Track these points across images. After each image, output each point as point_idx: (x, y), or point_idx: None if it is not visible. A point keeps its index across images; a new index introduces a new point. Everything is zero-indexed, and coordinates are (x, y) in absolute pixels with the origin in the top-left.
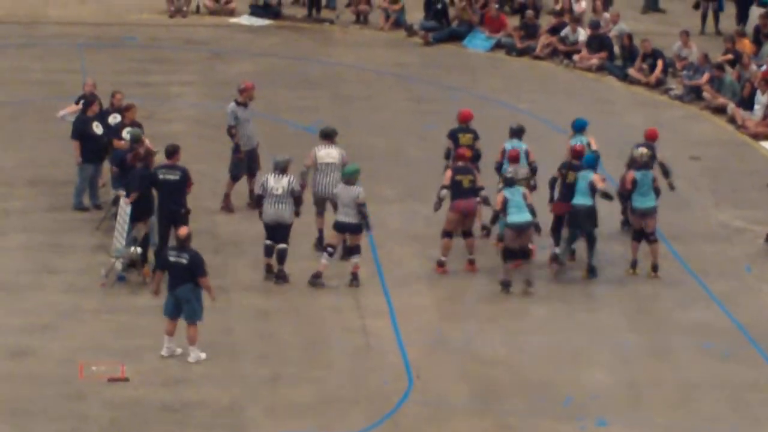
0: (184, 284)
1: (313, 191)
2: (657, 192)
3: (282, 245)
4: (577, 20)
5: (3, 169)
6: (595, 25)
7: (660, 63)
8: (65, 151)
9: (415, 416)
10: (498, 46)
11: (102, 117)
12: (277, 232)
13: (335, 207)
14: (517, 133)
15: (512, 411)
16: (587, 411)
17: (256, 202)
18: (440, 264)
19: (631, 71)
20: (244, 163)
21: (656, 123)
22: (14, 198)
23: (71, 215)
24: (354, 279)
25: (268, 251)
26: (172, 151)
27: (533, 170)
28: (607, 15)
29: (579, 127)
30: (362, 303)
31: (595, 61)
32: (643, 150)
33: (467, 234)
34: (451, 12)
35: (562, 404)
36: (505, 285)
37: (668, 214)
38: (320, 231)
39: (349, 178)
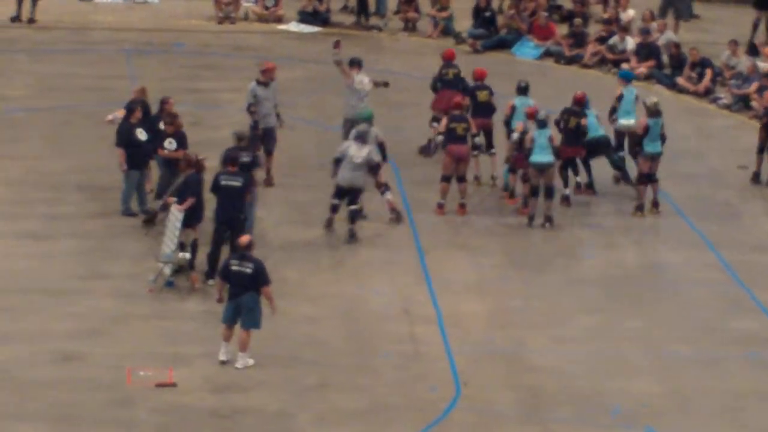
0: (247, 292)
1: (345, 113)
2: (663, 138)
3: (353, 206)
4: (625, 29)
5: (53, 175)
6: (645, 32)
7: (708, 72)
8: (114, 157)
9: (463, 424)
10: (546, 54)
11: (151, 123)
12: (349, 194)
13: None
14: (525, 90)
15: (560, 419)
16: (635, 420)
17: (333, 164)
18: (440, 206)
19: (680, 80)
20: (260, 140)
21: (704, 132)
22: (64, 203)
23: (120, 221)
24: (393, 212)
25: (335, 209)
26: (234, 158)
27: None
28: (654, 24)
29: (626, 77)
30: (410, 310)
31: (643, 69)
32: (654, 99)
33: (460, 179)
34: (500, 20)
35: (610, 413)
36: (530, 218)
37: (716, 223)
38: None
39: (366, 120)
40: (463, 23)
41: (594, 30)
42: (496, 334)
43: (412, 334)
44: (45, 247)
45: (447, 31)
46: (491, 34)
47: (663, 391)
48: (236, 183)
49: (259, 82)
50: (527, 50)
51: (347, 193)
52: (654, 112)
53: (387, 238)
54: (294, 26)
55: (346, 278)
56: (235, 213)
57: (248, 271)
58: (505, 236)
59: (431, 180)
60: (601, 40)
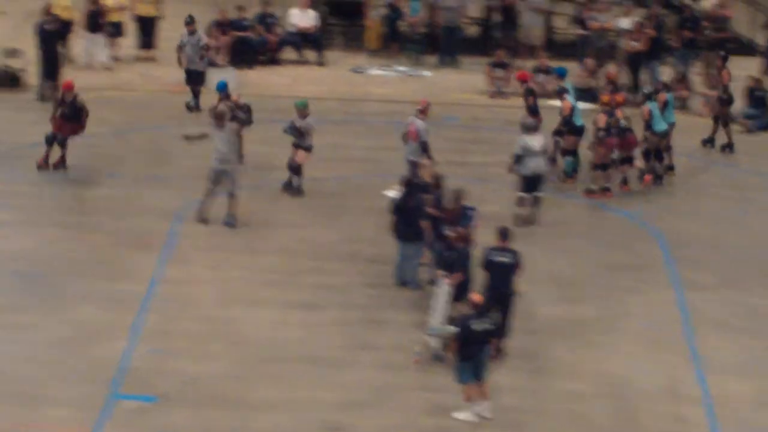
0: (485, 347)
1: None
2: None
3: (539, 193)
4: None
5: (323, 245)
6: None
7: None
8: (384, 228)
9: None
10: None
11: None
12: (535, 182)
13: None
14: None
15: None
16: None
17: (515, 160)
18: (603, 190)
19: None
20: None
21: None
22: (333, 273)
23: (388, 292)
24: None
25: (521, 202)
26: (506, 234)
27: None
28: None
29: (561, 73)
30: (678, 390)
31: None
32: (649, 87)
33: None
34: None
35: None
36: (659, 177)
37: None
38: None
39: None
40: (737, 103)
41: None
42: (766, 415)
43: (678, 414)
44: (313, 317)
45: None
46: (764, 114)
47: None
48: (507, 260)
49: (422, 119)
50: None
51: (533, 183)
52: (649, 97)
53: (656, 315)
54: None
55: (613, 356)
56: (505, 289)
57: (490, 326)
58: None
59: (700, 258)
60: None
